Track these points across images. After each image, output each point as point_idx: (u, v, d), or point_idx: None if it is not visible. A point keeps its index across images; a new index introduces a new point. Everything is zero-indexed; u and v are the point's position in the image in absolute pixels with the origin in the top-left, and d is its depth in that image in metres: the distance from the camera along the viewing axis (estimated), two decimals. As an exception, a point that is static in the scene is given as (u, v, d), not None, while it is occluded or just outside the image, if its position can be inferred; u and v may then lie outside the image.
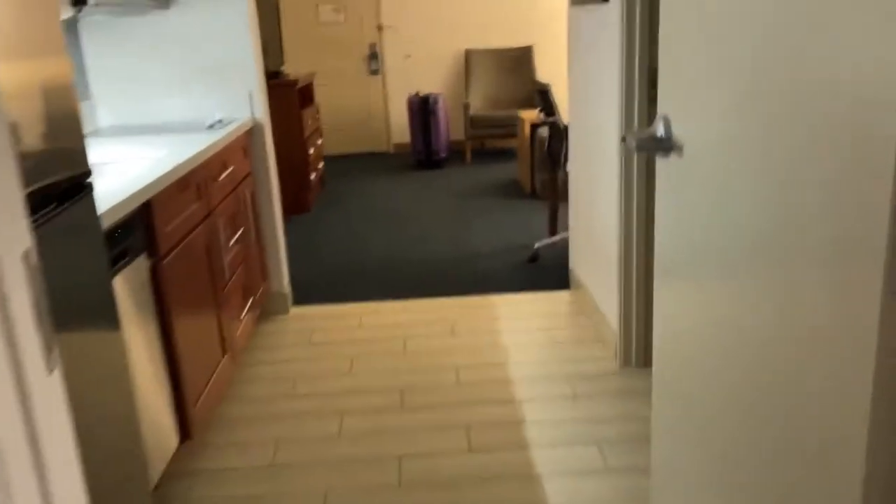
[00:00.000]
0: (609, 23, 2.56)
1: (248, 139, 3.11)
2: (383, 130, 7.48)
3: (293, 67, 7.22)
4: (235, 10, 3.01)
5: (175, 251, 2.11)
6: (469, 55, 7.08)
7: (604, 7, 2.60)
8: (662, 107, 1.32)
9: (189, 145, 2.44)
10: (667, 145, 1.30)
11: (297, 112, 5.01)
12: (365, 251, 4.21)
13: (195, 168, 2.33)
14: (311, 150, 5.29)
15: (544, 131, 4.89)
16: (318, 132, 5.75)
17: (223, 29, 3.03)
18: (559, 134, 3.80)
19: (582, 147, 3.09)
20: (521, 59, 7.06)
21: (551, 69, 7.31)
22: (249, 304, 2.87)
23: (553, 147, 3.92)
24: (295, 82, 4.98)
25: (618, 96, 2.49)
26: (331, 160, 7.18)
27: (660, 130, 1.31)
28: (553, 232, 4.09)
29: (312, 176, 5.28)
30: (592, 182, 2.95)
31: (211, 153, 2.48)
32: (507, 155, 7.03)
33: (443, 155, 6.49)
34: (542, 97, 3.96)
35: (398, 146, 7.50)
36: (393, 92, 7.35)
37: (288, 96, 4.96)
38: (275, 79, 4.95)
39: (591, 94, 2.87)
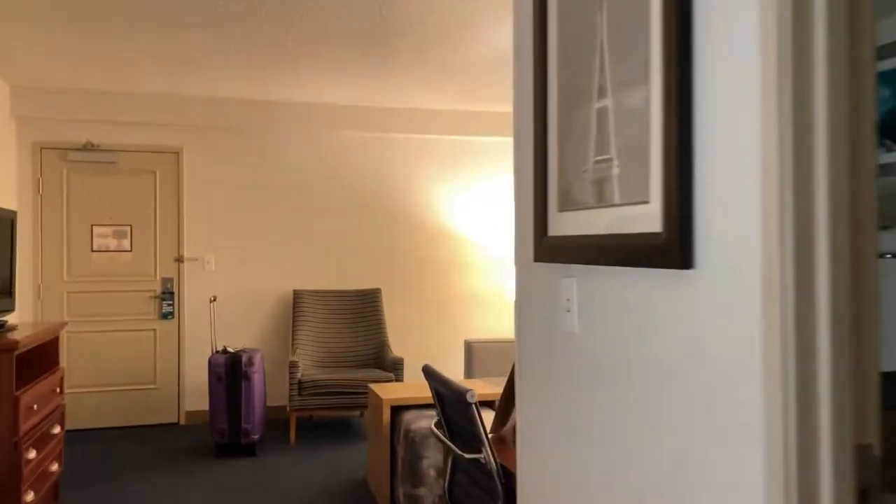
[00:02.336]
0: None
1: None
2: (173, 395, 5.48)
3: (25, 315, 5.22)
4: None
5: None
6: (298, 298, 5.51)
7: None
8: None
9: None
10: None
11: (7, 394, 3.02)
12: None
13: None
14: (31, 454, 3.21)
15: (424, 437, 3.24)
16: (56, 414, 3.69)
17: None
18: (482, 476, 2.13)
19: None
20: (365, 304, 5.59)
21: (402, 320, 5.90)
22: None
23: (457, 486, 2.25)
24: (12, 345, 3.04)
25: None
26: (86, 437, 4.99)
27: None
28: None
29: (30, 497, 3.16)
30: None
31: None
32: (344, 430, 5.25)
33: (255, 436, 4.59)
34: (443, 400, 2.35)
35: (192, 415, 5.49)
36: (191, 344, 5.51)
37: (-4, 368, 2.98)
38: (-24, 339, 2.99)
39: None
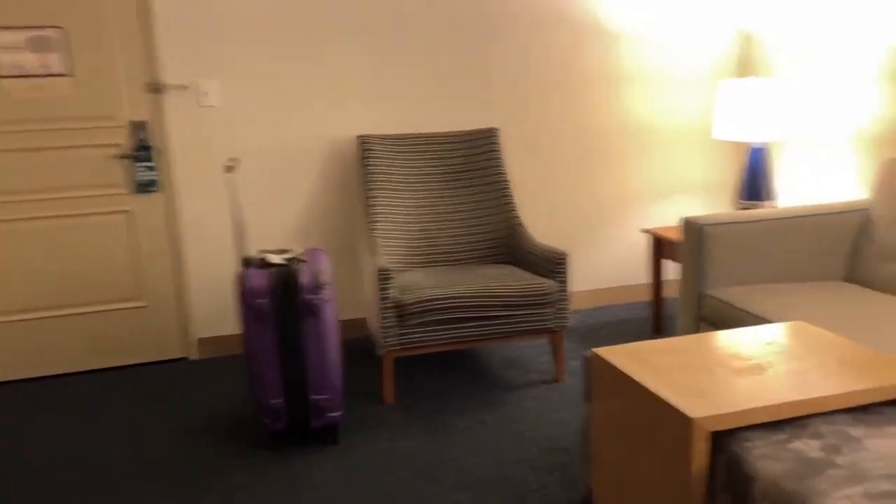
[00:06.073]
0: None
1: None
2: (170, 316, 3.35)
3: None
4: None
5: None
6: (367, 149, 3.24)
7: None
8: None
9: None
10: None
11: None
12: None
13: None
14: None
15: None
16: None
17: None
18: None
19: None
20: (477, 155, 3.34)
21: (531, 181, 3.68)
22: None
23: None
24: None
25: None
26: (21, 391, 2.91)
27: None
28: None
29: None
30: None
31: None
32: (470, 369, 3.21)
33: (335, 412, 2.52)
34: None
35: (211, 344, 3.41)
36: (195, 238, 3.30)
37: None
38: None
39: None
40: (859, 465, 1.43)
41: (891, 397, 1.64)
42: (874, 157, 3.10)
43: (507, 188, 3.31)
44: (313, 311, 2.40)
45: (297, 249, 2.61)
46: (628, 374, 1.74)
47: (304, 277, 2.41)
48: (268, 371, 2.42)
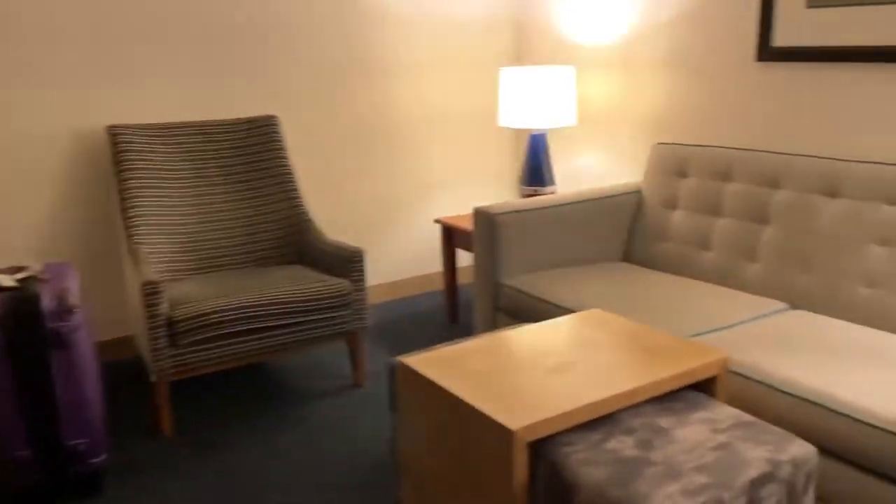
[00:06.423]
0: None
1: None
2: None
3: None
4: None
5: None
6: (119, 142, 2.79)
7: None
8: None
9: None
10: None
11: None
12: None
13: None
14: None
15: None
16: None
17: None
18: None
19: None
20: (254, 144, 3.03)
21: (314, 170, 3.43)
22: None
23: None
24: None
25: None
26: None
27: None
28: None
29: None
30: None
31: None
32: (256, 386, 2.90)
33: (97, 457, 2.12)
34: None
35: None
36: None
37: None
38: None
39: None
40: (673, 460, 1.41)
41: (691, 381, 1.66)
42: (648, 142, 3.28)
43: (292, 181, 3.04)
44: (61, 341, 1.98)
45: (35, 267, 2.15)
46: (439, 383, 1.60)
47: (47, 301, 1.98)
48: (7, 419, 1.97)
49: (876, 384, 1.73)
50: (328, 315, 2.63)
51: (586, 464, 1.41)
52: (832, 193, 2.35)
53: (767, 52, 2.71)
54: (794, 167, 2.46)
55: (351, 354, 2.81)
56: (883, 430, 1.59)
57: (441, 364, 1.70)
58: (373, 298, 3.73)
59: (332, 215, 3.53)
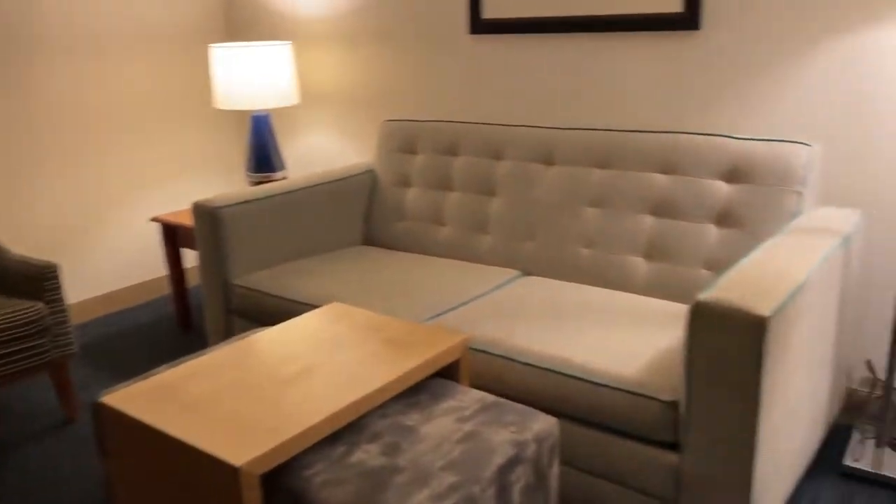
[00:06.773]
0: None
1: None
2: None
3: None
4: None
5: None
6: None
7: None
8: None
9: None
10: None
11: None
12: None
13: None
14: None
15: None
16: None
17: None
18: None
19: None
20: None
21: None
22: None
23: None
24: None
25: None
26: None
27: None
28: None
29: None
30: None
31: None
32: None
33: None
34: None
35: None
36: None
37: None
38: None
39: None
40: (420, 462, 1.32)
41: (436, 369, 1.59)
42: (377, 119, 3.18)
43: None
44: None
45: None
46: (148, 423, 1.35)
47: None
48: None
49: (604, 343, 1.80)
50: (22, 346, 2.19)
51: (329, 485, 1.27)
52: (548, 161, 2.44)
53: (479, 24, 2.73)
54: (513, 138, 2.51)
55: (57, 386, 2.38)
56: (613, 388, 1.65)
57: (153, 396, 1.44)
58: (84, 316, 3.24)
59: (18, 225, 2.98)
